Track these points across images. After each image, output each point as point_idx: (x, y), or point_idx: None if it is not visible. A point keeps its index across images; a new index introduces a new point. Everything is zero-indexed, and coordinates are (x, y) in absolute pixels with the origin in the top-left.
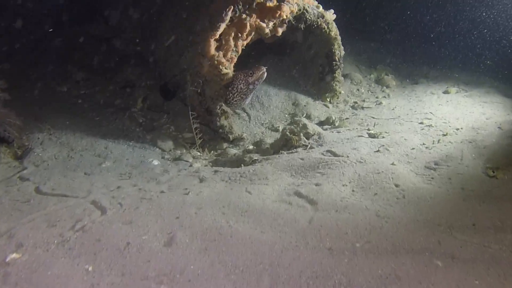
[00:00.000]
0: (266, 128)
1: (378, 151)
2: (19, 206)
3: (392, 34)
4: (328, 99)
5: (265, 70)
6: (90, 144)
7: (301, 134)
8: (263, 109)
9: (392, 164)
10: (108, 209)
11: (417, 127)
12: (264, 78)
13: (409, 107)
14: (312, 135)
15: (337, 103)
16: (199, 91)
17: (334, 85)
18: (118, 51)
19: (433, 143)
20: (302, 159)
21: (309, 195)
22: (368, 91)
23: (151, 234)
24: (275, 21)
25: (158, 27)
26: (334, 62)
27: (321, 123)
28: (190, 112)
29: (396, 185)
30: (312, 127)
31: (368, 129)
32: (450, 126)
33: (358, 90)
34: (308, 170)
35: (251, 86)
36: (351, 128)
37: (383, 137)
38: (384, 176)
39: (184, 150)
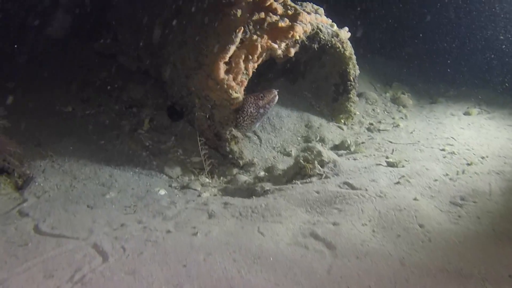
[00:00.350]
0: (277, 152)
1: (398, 183)
2: (15, 250)
3: (408, 50)
4: (343, 121)
5: (276, 93)
6: (94, 172)
7: (316, 162)
8: (275, 132)
9: (415, 199)
10: (110, 255)
11: (438, 154)
12: (276, 101)
13: (429, 130)
14: (327, 163)
15: (352, 124)
16: (207, 116)
17: (348, 106)
18: (124, 68)
19: (457, 174)
20: (317, 192)
21: (327, 237)
22: (384, 111)
23: (156, 287)
24: (287, 42)
25: (165, 44)
26: (349, 82)
27: (335, 147)
28: (198, 138)
29: (421, 226)
30: (327, 154)
31: (387, 157)
32: (474, 154)
33: (373, 110)
34: (324, 205)
35: (261, 110)
36: (368, 154)
37: (403, 166)
38: (407, 214)
39: (193, 177)
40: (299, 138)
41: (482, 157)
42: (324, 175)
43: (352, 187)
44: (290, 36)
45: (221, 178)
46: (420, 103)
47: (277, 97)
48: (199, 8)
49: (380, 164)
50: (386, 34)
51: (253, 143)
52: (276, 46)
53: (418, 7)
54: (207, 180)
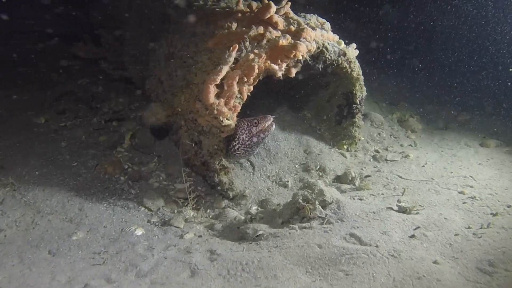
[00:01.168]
0: (272, 182)
1: (413, 236)
2: None
3: (413, 63)
4: (346, 147)
5: (272, 120)
6: (61, 205)
7: (316, 203)
8: (270, 157)
9: (435, 262)
10: None
11: (456, 198)
12: (272, 130)
13: (443, 164)
14: (330, 204)
15: (356, 151)
16: (194, 142)
17: (353, 131)
18: (106, 75)
19: (481, 228)
20: (319, 246)
21: None
22: (390, 135)
23: None
24: (289, 62)
25: (151, 53)
26: (355, 105)
27: (338, 179)
28: (182, 168)
29: None
30: (330, 193)
31: (398, 200)
32: (498, 201)
33: (379, 134)
34: (328, 266)
35: (255, 139)
36: (376, 192)
37: (417, 213)
38: (427, 284)
39: (176, 209)
40: (296, 166)
41: (509, 206)
42: (326, 219)
43: (360, 241)
44: (292, 56)
45: (208, 211)
46: (429, 127)
47: (273, 125)
48: (189, 16)
49: (390, 208)
50: (392, 50)
51: (245, 171)
52: (276, 67)
53: (425, 16)
54: (192, 213)
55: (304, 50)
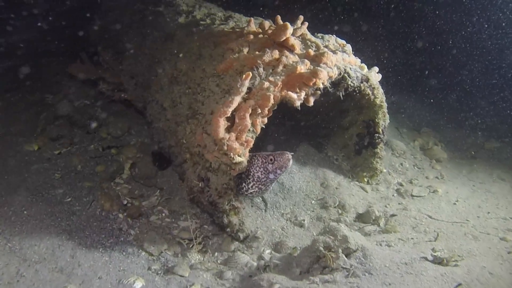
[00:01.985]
0: (287, 220)
1: None
2: None
3: (431, 83)
4: (366, 180)
5: (290, 157)
6: (51, 251)
7: (340, 251)
8: (283, 192)
9: None
10: None
11: (499, 246)
12: (289, 166)
13: (476, 201)
14: (354, 251)
15: (377, 183)
16: (201, 180)
17: (374, 162)
18: (105, 97)
19: None
20: None
21: None
22: (414, 166)
23: None
24: (307, 91)
25: (152, 76)
26: (377, 135)
27: (360, 218)
28: (187, 209)
29: None
30: (354, 239)
31: (433, 249)
32: None
33: (401, 164)
34: None
35: (271, 175)
36: (404, 236)
37: (456, 265)
38: None
39: (180, 253)
40: (313, 202)
41: None
42: (351, 271)
43: None
44: (312, 84)
45: (216, 254)
46: (456, 156)
47: (291, 161)
48: (195, 35)
49: (424, 258)
50: (407, 65)
51: (257, 208)
52: (295, 96)
53: (443, 32)
54: (198, 257)
55: (325, 77)
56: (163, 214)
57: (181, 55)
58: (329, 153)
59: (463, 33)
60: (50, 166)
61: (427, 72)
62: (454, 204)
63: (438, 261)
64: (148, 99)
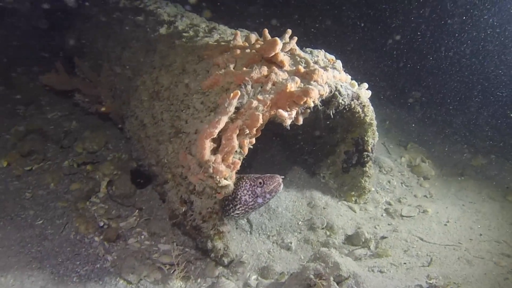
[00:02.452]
0: (273, 243)
1: None
2: None
3: (415, 96)
4: (354, 199)
5: (280, 181)
6: (19, 282)
7: (331, 278)
8: (269, 213)
9: None
10: None
11: (494, 272)
12: (280, 190)
13: (467, 223)
14: (346, 279)
15: (365, 202)
16: (184, 202)
17: (362, 181)
18: (81, 109)
19: None
20: None
21: None
22: (401, 183)
23: None
24: (298, 109)
25: (132, 89)
26: (366, 153)
27: (349, 240)
28: (168, 232)
29: None
30: (346, 265)
31: (428, 276)
32: None
33: (389, 182)
34: None
35: (259, 200)
36: (396, 260)
37: None
38: None
39: (160, 281)
40: (300, 223)
41: None
42: None
43: None
44: (302, 103)
45: (199, 280)
46: (443, 173)
47: (281, 185)
48: (177, 48)
49: (419, 286)
50: (390, 78)
51: (241, 230)
52: (285, 115)
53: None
54: (180, 284)
55: (316, 96)
56: (142, 237)
57: (163, 69)
58: (316, 171)
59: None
60: (21, 184)
61: (411, 86)
62: (445, 225)
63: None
64: (127, 113)
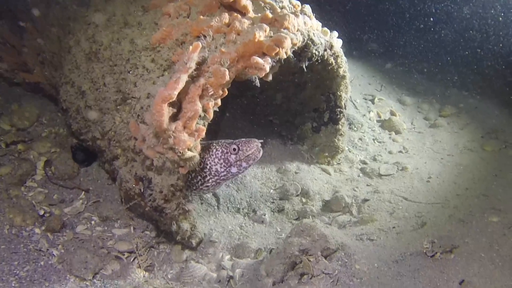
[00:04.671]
0: (244, 216)
1: None
2: None
3: (372, 47)
4: (327, 160)
5: (259, 145)
6: None
7: (319, 253)
8: (236, 183)
9: None
10: None
11: (490, 229)
12: (259, 158)
13: (449, 177)
14: (334, 252)
15: (338, 163)
16: (139, 180)
17: (336, 140)
18: (4, 80)
19: None
20: None
21: None
22: (374, 140)
23: None
24: (270, 64)
25: (64, 51)
26: (339, 109)
27: (327, 207)
28: (126, 215)
29: None
30: (333, 236)
31: (432, 241)
32: None
33: (361, 140)
34: None
35: (234, 169)
36: (384, 225)
37: (455, 257)
38: None
39: (119, 272)
40: (272, 191)
41: None
42: (336, 278)
43: None
44: (274, 54)
45: (164, 267)
46: (415, 126)
47: (261, 151)
48: None
49: (416, 253)
50: (346, 29)
51: (208, 205)
52: (262, 62)
53: None
54: (142, 274)
55: (289, 45)
56: (93, 222)
57: (100, 24)
58: (284, 133)
59: None
60: None
61: (369, 37)
62: (428, 181)
63: (431, 254)
64: (61, 80)
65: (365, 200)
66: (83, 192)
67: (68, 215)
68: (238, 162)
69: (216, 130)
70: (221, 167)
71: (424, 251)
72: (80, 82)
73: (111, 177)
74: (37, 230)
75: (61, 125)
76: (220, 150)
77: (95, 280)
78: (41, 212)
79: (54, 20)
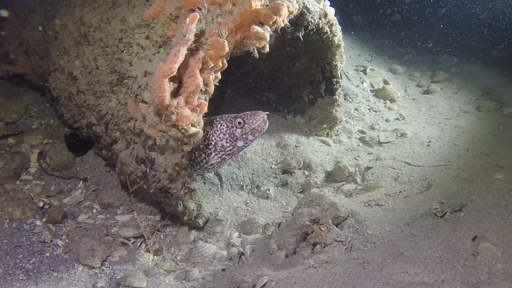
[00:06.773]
0: (248, 193)
1: None
2: None
3: (357, 19)
4: (326, 132)
5: (265, 117)
6: None
7: (330, 222)
8: (237, 161)
9: None
10: None
11: (496, 186)
12: (265, 130)
13: (449, 139)
14: (345, 219)
15: (336, 134)
16: (141, 162)
17: (333, 111)
18: None
19: None
20: None
21: None
22: (369, 109)
23: None
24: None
25: (50, 36)
26: (335, 80)
27: (331, 177)
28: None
29: None
30: (343, 204)
31: (441, 201)
32: None
33: (356, 110)
34: None
35: (240, 143)
36: (390, 190)
37: (464, 215)
38: None
39: (127, 258)
40: (273, 166)
41: None
42: (350, 244)
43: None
44: (271, 23)
45: (173, 249)
46: (409, 93)
47: (267, 123)
48: None
49: (426, 214)
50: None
51: (211, 184)
52: (262, 31)
53: None
54: (151, 258)
55: (286, 13)
56: (94, 211)
57: (86, 5)
58: (280, 107)
59: None
60: None
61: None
62: (428, 145)
63: (441, 214)
64: (49, 68)
65: (368, 168)
66: (81, 181)
67: (68, 205)
68: (244, 136)
69: (219, 105)
70: (227, 142)
71: (434, 211)
72: (70, 67)
73: (109, 163)
74: (38, 222)
75: (51, 116)
76: (225, 125)
77: (103, 267)
78: (41, 204)
79: (36, 6)
